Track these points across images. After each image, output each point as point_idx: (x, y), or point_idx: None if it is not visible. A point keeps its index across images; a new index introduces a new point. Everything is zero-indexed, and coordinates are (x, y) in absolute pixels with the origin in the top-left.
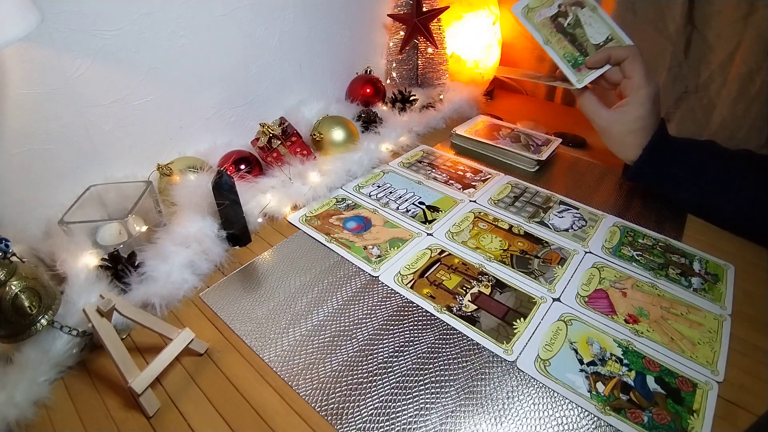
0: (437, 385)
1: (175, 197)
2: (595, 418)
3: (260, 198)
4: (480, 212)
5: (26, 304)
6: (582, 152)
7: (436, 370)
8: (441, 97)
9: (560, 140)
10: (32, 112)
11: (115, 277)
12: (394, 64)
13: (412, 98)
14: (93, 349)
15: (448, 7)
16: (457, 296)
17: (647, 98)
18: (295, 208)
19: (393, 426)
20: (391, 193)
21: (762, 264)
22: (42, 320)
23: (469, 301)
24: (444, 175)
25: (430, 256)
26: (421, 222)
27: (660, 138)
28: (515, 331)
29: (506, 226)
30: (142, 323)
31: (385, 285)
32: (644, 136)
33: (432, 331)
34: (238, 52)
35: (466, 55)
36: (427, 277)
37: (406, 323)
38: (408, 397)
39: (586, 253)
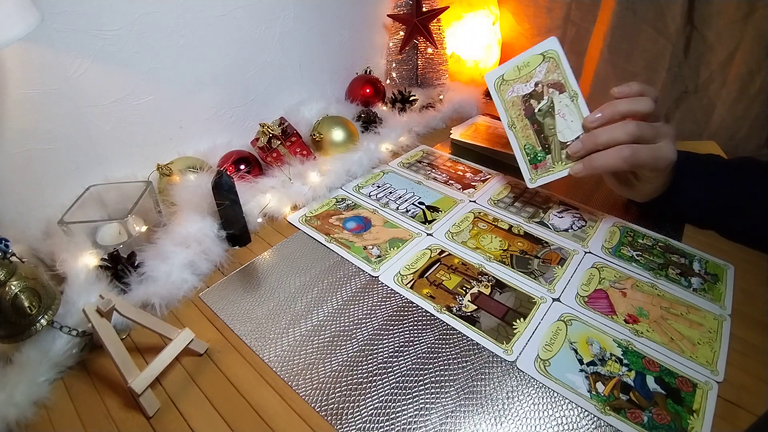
0: (437, 385)
1: (175, 197)
2: (595, 418)
3: (260, 198)
4: (480, 212)
5: (26, 304)
6: None
7: (436, 370)
8: (441, 97)
9: None
10: (32, 112)
11: (115, 277)
12: (394, 65)
13: (412, 98)
14: (93, 349)
15: (448, 7)
16: (457, 296)
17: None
18: (294, 208)
19: (393, 426)
20: (390, 193)
21: (762, 264)
22: (42, 320)
23: (468, 301)
24: (444, 175)
25: (430, 256)
26: (421, 222)
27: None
28: (515, 331)
29: (506, 226)
30: (141, 323)
31: (385, 285)
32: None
33: (432, 331)
34: (238, 52)
35: (466, 55)
36: (426, 277)
37: (406, 323)
38: (408, 397)
39: (585, 253)
